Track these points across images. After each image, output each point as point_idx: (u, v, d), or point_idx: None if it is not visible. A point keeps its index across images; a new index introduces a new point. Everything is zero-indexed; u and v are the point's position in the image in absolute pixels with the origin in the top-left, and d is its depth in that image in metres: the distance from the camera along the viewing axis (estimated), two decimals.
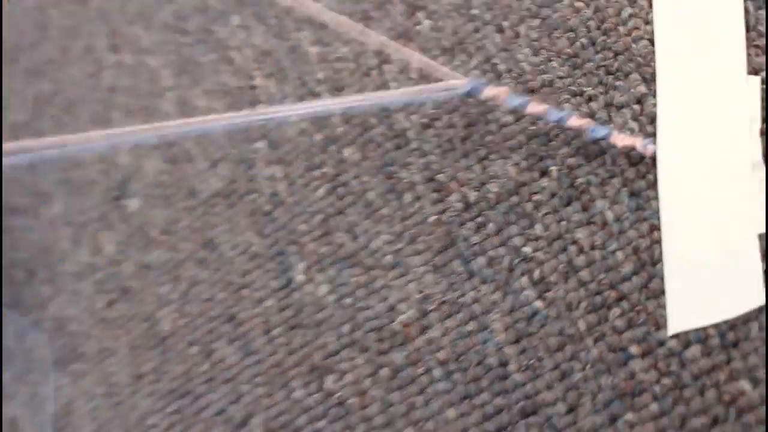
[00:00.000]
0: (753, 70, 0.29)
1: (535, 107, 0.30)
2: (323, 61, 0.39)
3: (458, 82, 0.31)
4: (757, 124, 0.28)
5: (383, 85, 0.37)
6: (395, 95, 0.33)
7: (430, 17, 0.37)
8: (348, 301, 0.35)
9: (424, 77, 0.36)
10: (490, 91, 0.30)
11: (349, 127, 0.38)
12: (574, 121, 0.30)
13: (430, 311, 0.33)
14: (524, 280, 0.31)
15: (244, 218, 0.40)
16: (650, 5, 0.32)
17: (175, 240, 0.41)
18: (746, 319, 0.27)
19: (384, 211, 0.35)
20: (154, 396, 0.40)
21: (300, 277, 0.37)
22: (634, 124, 0.31)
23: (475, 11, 0.36)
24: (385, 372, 0.33)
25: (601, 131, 0.30)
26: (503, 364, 0.31)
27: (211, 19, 0.44)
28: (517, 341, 0.31)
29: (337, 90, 0.39)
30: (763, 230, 0.27)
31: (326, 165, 0.38)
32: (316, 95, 0.39)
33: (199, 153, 0.42)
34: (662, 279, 0.28)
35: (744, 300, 0.27)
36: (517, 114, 0.33)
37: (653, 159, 0.30)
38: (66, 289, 0.45)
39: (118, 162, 0.45)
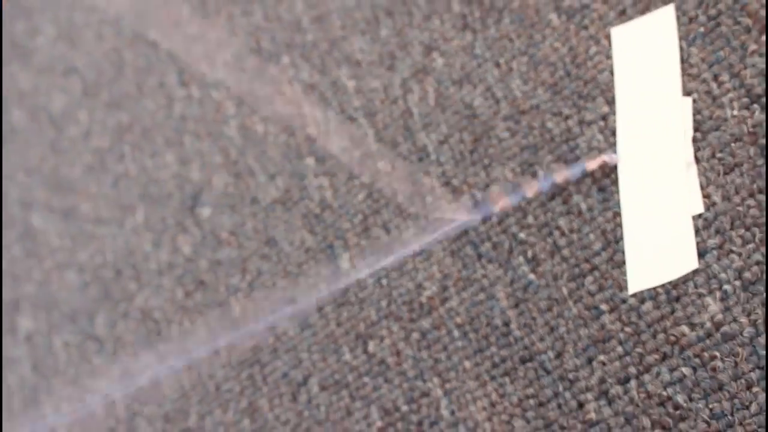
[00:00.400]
0: (686, 93, 0.39)
1: (531, 185, 0.40)
2: (358, 92, 0.50)
3: (466, 218, 0.41)
4: (690, 133, 0.38)
5: (407, 111, 0.47)
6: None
7: (442, 56, 0.47)
8: (384, 281, 0.45)
9: (443, 100, 0.46)
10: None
11: (382, 144, 0.48)
12: (559, 176, 0.40)
13: (449, 286, 0.43)
14: (521, 258, 0.41)
15: (298, 220, 0.50)
16: (610, 44, 0.42)
17: (242, 240, 0.52)
18: (685, 279, 0.37)
19: (411, 210, 0.45)
20: (228, 367, 0.50)
21: (345, 265, 0.47)
22: (600, 136, 0.41)
23: (477, 51, 0.46)
24: (415, 335, 0.43)
25: (578, 169, 0.39)
26: (506, 324, 0.41)
27: (264, 59, 0.55)
28: (516, 306, 0.41)
29: (371, 115, 0.49)
30: (696, 212, 0.37)
31: (364, 175, 0.48)
32: (354, 119, 0.49)
33: (258, 168, 0.52)
34: (623, 252, 0.38)
35: (682, 264, 0.37)
36: (512, 130, 0.43)
37: (615, 165, 0.39)
38: (150, 284, 0.55)
39: (191, 177, 0.55)
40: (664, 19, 0.40)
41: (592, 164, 0.39)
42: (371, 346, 0.44)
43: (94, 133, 0.62)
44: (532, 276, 0.40)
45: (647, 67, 0.40)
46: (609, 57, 0.41)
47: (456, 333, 0.42)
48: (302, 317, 0.48)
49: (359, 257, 0.46)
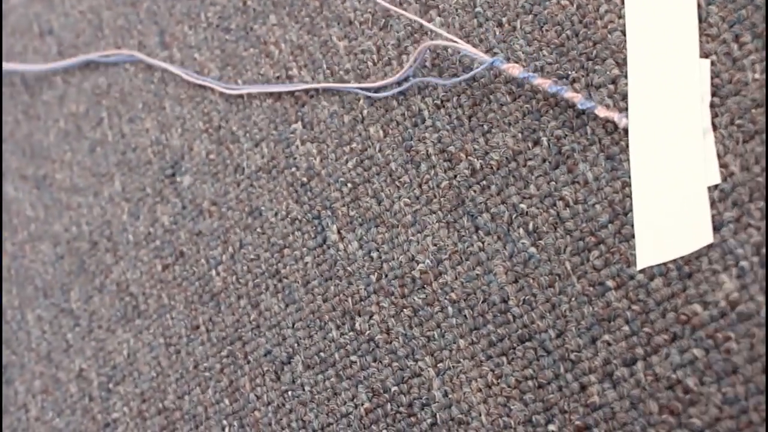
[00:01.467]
0: (704, 54, 0.36)
1: (539, 80, 0.38)
2: (350, 53, 0.47)
3: (485, 57, 0.39)
4: (707, 98, 0.36)
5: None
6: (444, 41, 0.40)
7: (440, 14, 0.44)
8: (374, 255, 0.43)
9: (440, 62, 0.44)
10: (507, 66, 0.38)
11: (374, 109, 0.45)
12: (568, 94, 0.37)
13: (444, 260, 0.41)
14: (521, 231, 0.39)
15: (284, 189, 0.47)
16: (623, 2, 0.39)
17: (224, 210, 0.49)
18: (698, 254, 0.34)
19: (404, 178, 0.43)
20: (208, 344, 0.48)
21: (333, 237, 0.45)
22: (609, 101, 0.38)
23: (478, 9, 0.43)
24: (406, 312, 0.41)
25: (588, 103, 0.37)
26: (504, 300, 0.39)
27: (251, 18, 0.52)
28: (515, 281, 0.39)
29: (363, 78, 0.46)
30: (712, 183, 0.35)
31: (354, 142, 0.46)
32: (345, 82, 0.47)
33: (243, 134, 0.50)
34: (632, 225, 0.36)
35: (696, 239, 0.34)
36: (515, 94, 0.41)
37: (625, 129, 0.37)
38: (127, 256, 0.53)
39: (171, 144, 0.53)
40: None
41: (602, 112, 0.36)
42: (359, 323, 0.42)
43: (69, 97, 0.59)
44: (533, 249, 0.38)
45: (662, 26, 0.37)
46: (621, 16, 0.39)
47: (450, 310, 0.40)
48: (287, 292, 0.45)
49: (348, 229, 0.44)
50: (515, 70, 0.38)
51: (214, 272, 0.49)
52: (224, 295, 0.48)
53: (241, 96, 0.51)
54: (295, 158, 0.47)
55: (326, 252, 0.45)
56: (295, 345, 0.44)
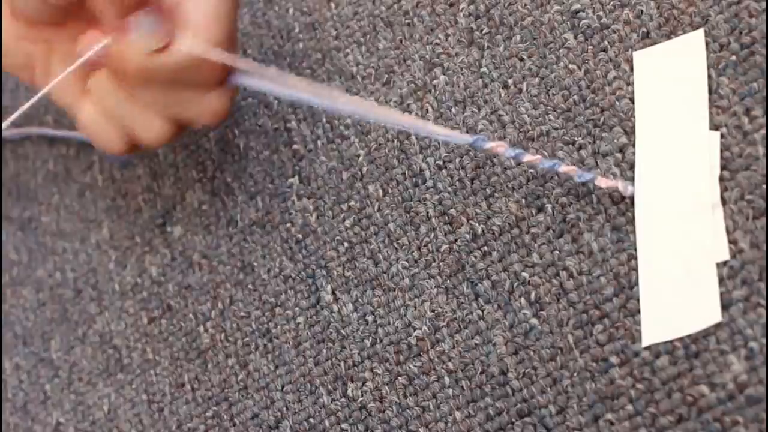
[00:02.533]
0: (714, 126, 0.36)
1: (529, 157, 0.38)
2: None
3: (465, 137, 0.39)
4: (717, 172, 0.35)
5: (403, 131, 0.45)
6: (420, 126, 0.40)
7: (445, 73, 0.44)
8: (370, 318, 0.42)
9: (444, 121, 0.44)
10: (490, 144, 0.38)
11: (374, 166, 0.45)
12: (563, 168, 0.37)
13: (442, 327, 0.40)
14: (522, 300, 0.38)
15: (278, 245, 0.47)
16: (631, 69, 0.39)
17: (215, 263, 0.49)
18: (706, 333, 0.34)
19: (403, 240, 0.43)
20: (193, 403, 0.47)
21: (328, 297, 0.44)
22: (616, 170, 0.38)
23: (484, 69, 0.43)
24: (401, 380, 0.40)
25: (587, 175, 0.37)
26: (503, 372, 0.38)
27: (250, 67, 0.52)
28: (515, 353, 0.38)
29: (363, 134, 0.46)
30: (721, 259, 0.34)
31: (352, 200, 0.45)
32: (345, 138, 0.47)
33: (237, 186, 0.50)
34: (638, 300, 0.36)
35: (703, 317, 0.34)
36: (519, 159, 0.40)
37: (632, 199, 0.37)
38: (111, 307, 0.52)
39: (163, 192, 0.53)
40: (693, 45, 0.37)
41: (603, 182, 0.36)
42: (351, 389, 0.42)
43: (59, 138, 0.59)
44: (534, 321, 0.38)
45: (672, 96, 0.37)
46: (630, 83, 0.39)
47: (447, 380, 0.39)
48: (277, 353, 0.45)
49: (343, 290, 0.44)
50: (501, 149, 0.38)
51: (202, 328, 0.48)
52: (212, 352, 0.47)
53: (237, 146, 0.51)
54: (290, 214, 0.47)
55: (320, 313, 0.44)
56: (284, 409, 0.44)
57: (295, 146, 0.48)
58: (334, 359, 0.43)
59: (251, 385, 0.45)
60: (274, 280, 0.46)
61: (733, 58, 0.37)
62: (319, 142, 0.47)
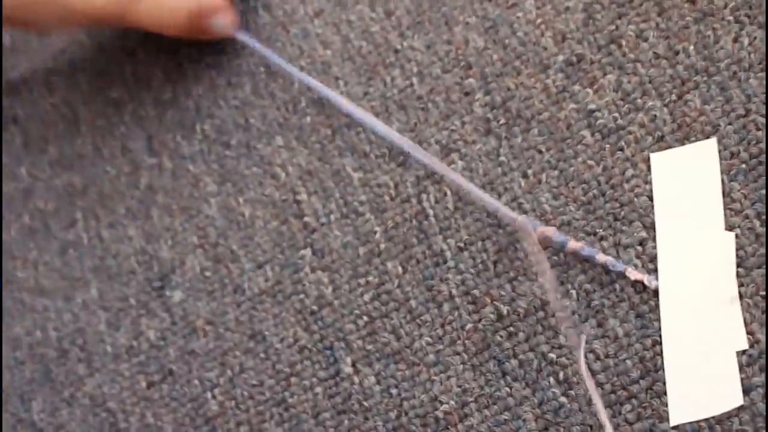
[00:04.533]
0: (728, 227, 0.40)
1: (573, 244, 0.41)
2: (365, 185, 0.49)
3: (516, 216, 0.41)
4: (733, 269, 0.39)
5: (422, 212, 0.47)
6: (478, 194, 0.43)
7: (463, 159, 0.47)
8: (394, 391, 0.44)
9: (463, 206, 0.46)
10: (542, 229, 0.41)
11: (392, 244, 0.47)
12: (601, 258, 0.40)
13: (470, 402, 0.42)
14: (551, 380, 0.41)
15: (291, 315, 0.48)
16: (648, 169, 0.43)
17: (222, 330, 0.49)
18: (729, 415, 0.38)
19: (425, 317, 0.45)
20: None
21: (348, 369, 0.45)
22: (637, 261, 0.41)
23: (502, 158, 0.46)
24: None
25: (619, 266, 0.40)
26: None
27: (253, 137, 0.53)
28: (545, 429, 0.40)
29: (380, 211, 0.48)
30: (741, 348, 0.38)
31: (370, 275, 0.47)
32: (360, 214, 0.48)
33: (243, 254, 0.50)
34: (664, 383, 0.39)
35: (727, 400, 0.38)
36: (545, 242, 0.43)
37: (655, 291, 0.40)
38: (103, 369, 0.51)
39: (159, 255, 0.52)
40: (707, 151, 0.41)
41: (633, 274, 0.39)
42: None
43: (36, 192, 0.58)
44: (563, 399, 0.40)
45: (689, 197, 0.41)
46: (647, 182, 0.42)
47: None
48: (295, 422, 0.45)
49: (364, 362, 0.45)
50: (550, 232, 0.41)
51: (209, 395, 0.48)
52: (221, 419, 0.47)
53: (242, 214, 0.51)
54: (303, 285, 0.48)
55: (339, 384, 0.45)
56: None
57: (306, 219, 0.49)
58: (356, 430, 0.44)
59: None
60: (289, 350, 0.47)
61: (744, 166, 0.41)
62: (332, 216, 0.49)
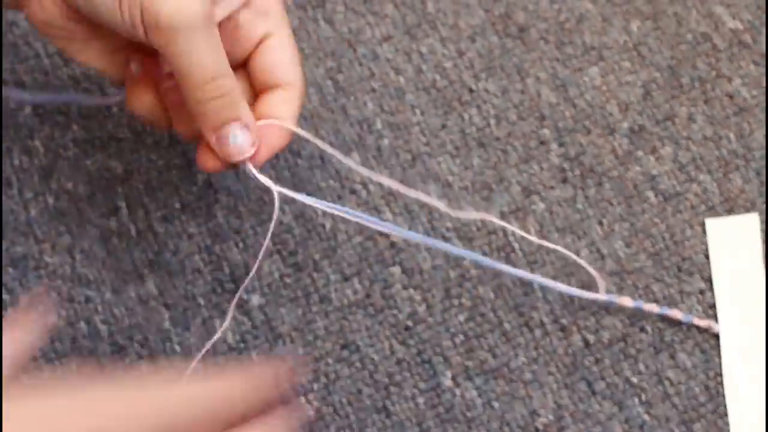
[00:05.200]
0: None
1: (648, 306, 0.50)
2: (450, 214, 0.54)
3: (596, 295, 0.50)
4: None
5: (508, 245, 0.54)
6: (539, 279, 0.50)
7: (543, 201, 0.54)
8: (495, 404, 0.51)
9: (545, 236, 0.53)
10: (620, 299, 0.50)
11: (482, 272, 0.53)
12: (672, 313, 0.50)
13: (566, 416, 0.50)
14: (635, 400, 0.51)
15: (385, 329, 0.52)
16: (703, 231, 0.53)
17: (310, 338, 0.52)
18: None
19: (519, 339, 0.52)
20: None
21: (448, 383, 0.51)
22: (699, 307, 0.52)
23: (579, 206, 0.54)
24: None
25: (688, 318, 0.51)
26: None
27: (328, 152, 0.56)
28: None
29: (467, 239, 0.54)
30: None
31: (463, 297, 0.53)
32: (447, 239, 0.54)
33: (326, 264, 0.53)
34: (725, 406, 0.50)
35: None
36: (619, 286, 0.52)
37: (716, 334, 0.51)
38: (172, 367, 0.52)
39: (227, 256, 0.54)
40: (750, 222, 0.53)
41: (698, 322, 0.50)
42: None
43: (58, 171, 0.55)
44: (646, 416, 0.50)
45: (737, 258, 0.52)
46: (703, 242, 0.53)
47: None
48: (398, 429, 0.50)
49: (464, 377, 0.51)
50: (626, 301, 0.50)
51: (303, 400, 0.51)
52: (321, 424, 0.51)
53: (322, 225, 0.54)
54: (395, 301, 0.53)
55: (441, 396, 0.51)
56: None
57: (393, 238, 0.54)
58: None
59: None
60: (386, 362, 0.51)
61: None
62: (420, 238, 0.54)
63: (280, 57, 0.43)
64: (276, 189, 0.44)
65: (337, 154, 0.46)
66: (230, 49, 0.41)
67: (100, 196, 0.54)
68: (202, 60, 0.41)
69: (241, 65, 0.44)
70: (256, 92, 0.44)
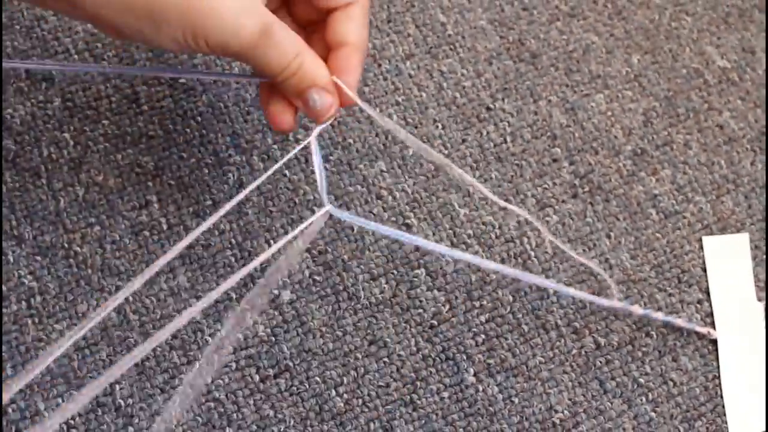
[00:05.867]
0: (759, 299, 0.58)
1: (657, 314, 0.55)
2: (471, 222, 0.58)
3: (609, 301, 0.55)
4: (762, 328, 0.57)
5: (525, 252, 0.58)
6: (551, 284, 0.55)
7: (556, 214, 0.59)
8: (515, 400, 0.55)
9: (560, 253, 0.58)
10: (631, 307, 0.55)
11: (500, 276, 0.57)
12: (677, 321, 0.55)
13: (580, 412, 0.55)
14: (643, 399, 0.55)
15: (411, 327, 0.56)
16: (700, 248, 0.59)
17: (340, 334, 0.55)
18: None
19: (536, 340, 0.56)
20: None
21: (471, 379, 0.55)
22: (698, 315, 0.58)
23: (589, 219, 0.59)
24: None
25: (689, 325, 0.56)
26: None
27: (354, 157, 0.59)
28: None
29: (487, 246, 0.58)
30: None
31: (484, 299, 0.57)
32: (468, 245, 0.58)
33: (355, 265, 0.57)
34: (723, 406, 0.55)
35: None
36: (625, 293, 0.57)
37: (714, 340, 0.57)
38: (204, 359, 0.54)
39: (259, 253, 0.56)
40: (741, 241, 0.59)
41: (699, 329, 0.56)
42: None
43: (88, 163, 0.57)
44: (652, 414, 0.55)
45: (730, 272, 0.58)
46: (700, 257, 0.59)
47: None
48: (425, 421, 0.54)
49: (486, 374, 0.55)
50: (636, 309, 0.56)
51: (333, 392, 0.54)
52: (350, 415, 0.53)
53: (350, 227, 0.57)
54: (420, 301, 0.56)
55: (465, 391, 0.55)
56: None
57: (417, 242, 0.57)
58: (485, 430, 0.54)
59: None
60: (412, 357, 0.55)
61: (764, 257, 0.59)
62: (442, 244, 0.57)
63: (356, 24, 0.47)
64: (328, 207, 0.47)
65: (379, 118, 0.49)
66: (315, 9, 0.47)
67: (130, 189, 0.56)
68: (273, 58, 0.44)
69: (321, 21, 0.48)
70: (329, 47, 0.47)
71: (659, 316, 0.55)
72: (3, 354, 0.52)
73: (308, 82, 0.46)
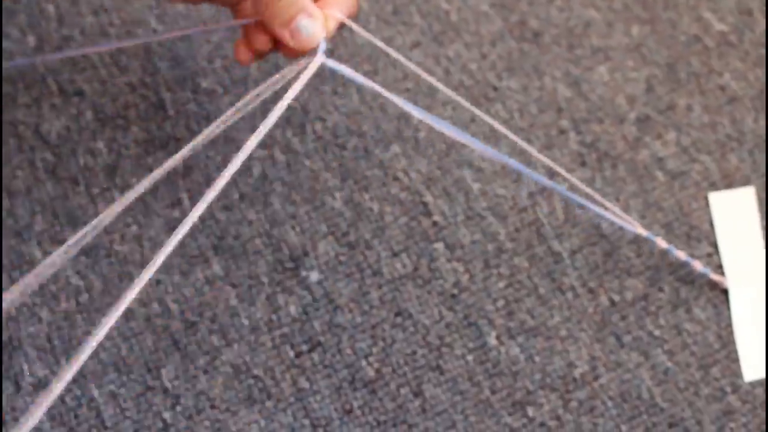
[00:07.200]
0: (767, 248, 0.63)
1: (678, 252, 0.60)
2: (485, 195, 0.64)
3: (639, 229, 0.60)
4: None
5: (538, 220, 0.64)
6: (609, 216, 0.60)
7: (566, 182, 0.65)
8: (537, 358, 0.60)
9: (572, 218, 0.64)
10: (657, 239, 0.60)
11: (516, 244, 0.63)
12: (695, 264, 0.61)
13: (599, 366, 0.60)
14: (659, 350, 0.61)
15: (434, 297, 0.62)
16: (707, 204, 0.64)
17: (367, 308, 0.61)
18: None
19: (553, 302, 0.62)
20: (367, 426, 0.59)
21: (493, 342, 0.61)
22: (708, 267, 0.63)
23: (597, 185, 0.65)
24: (573, 404, 0.59)
25: (705, 270, 0.61)
26: (652, 397, 0.60)
27: (369, 143, 0.65)
28: (659, 384, 0.60)
29: (501, 217, 0.64)
30: None
31: (501, 267, 0.62)
32: (483, 218, 0.64)
33: (377, 243, 0.63)
34: (737, 352, 0.60)
35: None
36: (638, 251, 0.63)
37: (725, 290, 0.62)
38: (242, 340, 0.60)
39: (287, 239, 0.63)
40: (747, 195, 0.64)
41: (713, 276, 0.61)
42: (531, 411, 0.59)
43: (122, 168, 0.64)
44: (669, 364, 0.60)
45: (739, 226, 0.63)
46: (707, 213, 0.64)
47: (610, 403, 0.59)
48: (452, 384, 0.59)
49: (507, 336, 0.61)
50: (660, 241, 0.61)
51: (364, 362, 0.60)
52: (381, 382, 0.59)
53: (370, 209, 0.64)
54: (441, 272, 0.62)
55: (488, 353, 0.60)
56: (469, 428, 0.59)
57: (435, 218, 0.63)
58: (509, 389, 0.59)
59: (430, 410, 0.59)
60: (437, 326, 0.61)
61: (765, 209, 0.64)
62: (458, 218, 0.63)
63: None
64: (321, 58, 0.52)
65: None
66: None
67: (163, 189, 0.63)
68: None
69: None
70: None
71: (681, 254, 0.60)
72: (56, 348, 0.59)
73: (299, 7, 0.51)
